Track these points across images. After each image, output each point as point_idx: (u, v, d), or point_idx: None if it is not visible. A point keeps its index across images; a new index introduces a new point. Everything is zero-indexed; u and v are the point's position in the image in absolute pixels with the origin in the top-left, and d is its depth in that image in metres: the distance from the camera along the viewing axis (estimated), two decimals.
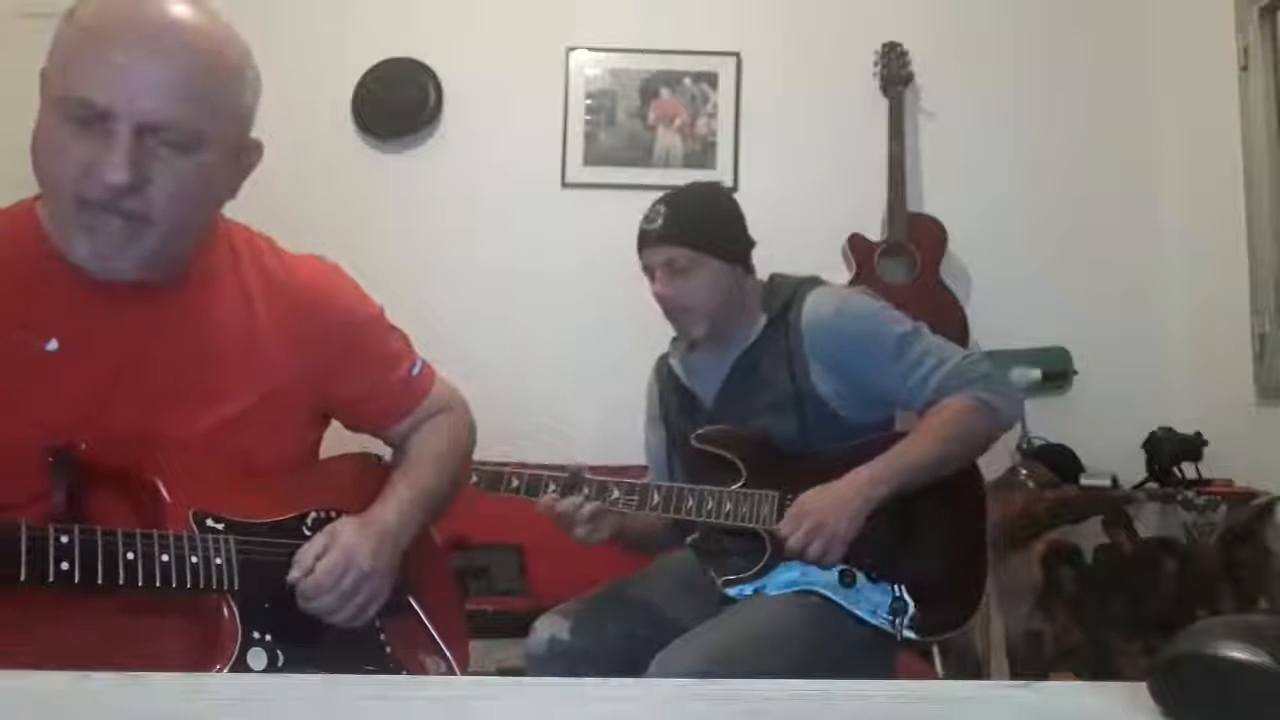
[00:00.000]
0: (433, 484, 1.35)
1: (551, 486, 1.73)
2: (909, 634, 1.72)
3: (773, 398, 1.82)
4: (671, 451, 1.99)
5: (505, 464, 1.79)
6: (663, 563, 1.94)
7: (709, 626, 1.65)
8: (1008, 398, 1.80)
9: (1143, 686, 0.67)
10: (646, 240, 1.85)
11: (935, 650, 1.85)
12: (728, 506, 1.75)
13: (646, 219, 1.86)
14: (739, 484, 1.77)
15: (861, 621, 1.71)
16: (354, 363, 1.33)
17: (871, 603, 1.72)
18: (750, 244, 1.91)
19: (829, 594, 1.71)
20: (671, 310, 1.88)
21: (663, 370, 2.04)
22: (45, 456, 1.08)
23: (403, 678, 1.17)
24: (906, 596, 1.71)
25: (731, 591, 1.75)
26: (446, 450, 1.40)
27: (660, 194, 1.91)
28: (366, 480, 1.35)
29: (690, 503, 1.75)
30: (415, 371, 1.41)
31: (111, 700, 0.67)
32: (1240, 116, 2.79)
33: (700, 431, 1.83)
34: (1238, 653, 0.62)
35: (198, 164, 1.07)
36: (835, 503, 1.68)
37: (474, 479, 1.72)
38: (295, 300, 1.27)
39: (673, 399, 1.98)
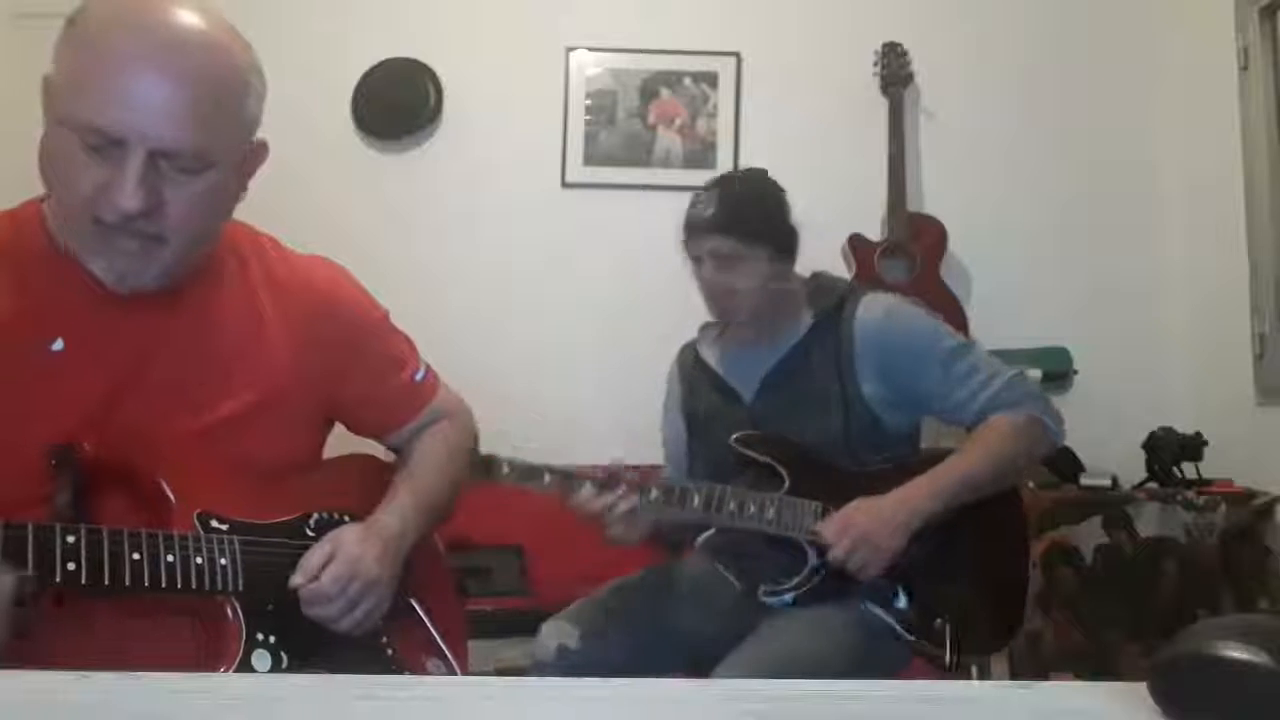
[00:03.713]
0: (436, 489, 1.35)
1: (588, 485, 1.67)
2: (946, 654, 1.68)
3: (817, 398, 1.79)
4: (691, 443, 1.95)
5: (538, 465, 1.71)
6: (673, 567, 1.91)
7: (749, 649, 1.61)
8: (1055, 416, 1.79)
9: (1143, 686, 0.67)
10: (696, 228, 1.81)
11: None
12: (770, 513, 1.71)
13: (695, 206, 1.82)
14: (783, 490, 1.74)
15: (898, 638, 1.68)
16: (358, 365, 1.33)
17: (911, 621, 1.68)
18: (796, 236, 1.87)
19: (870, 610, 1.68)
20: (717, 300, 1.85)
21: (688, 360, 1.99)
22: (49, 457, 1.08)
23: (402, 678, 1.16)
24: (947, 615, 1.68)
25: (772, 601, 1.71)
26: (449, 455, 1.40)
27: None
28: (370, 482, 1.35)
29: (732, 506, 1.71)
30: (419, 377, 1.41)
31: (111, 700, 0.67)
32: (1240, 116, 2.79)
33: (741, 435, 1.79)
34: (1238, 653, 0.62)
35: (209, 182, 1.08)
36: (881, 516, 1.66)
37: (505, 470, 1.65)
38: (300, 301, 1.27)
39: (705, 391, 1.93)
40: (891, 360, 1.78)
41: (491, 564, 2.65)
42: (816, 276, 1.92)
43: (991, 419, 1.74)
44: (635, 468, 1.74)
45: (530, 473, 1.68)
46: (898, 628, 1.68)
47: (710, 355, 1.95)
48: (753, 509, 1.71)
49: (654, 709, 0.69)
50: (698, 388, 1.95)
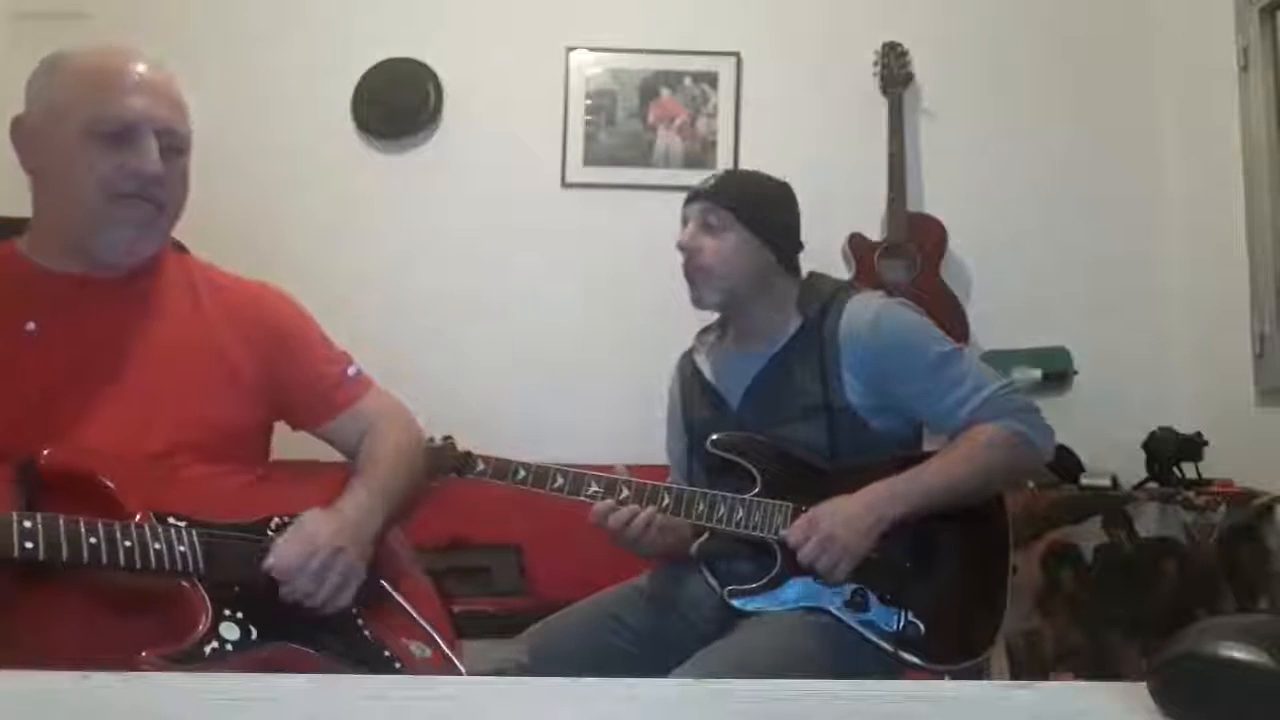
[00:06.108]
0: (388, 480, 1.43)
1: (594, 486, 1.69)
2: (917, 661, 1.65)
3: (802, 403, 1.76)
4: (692, 453, 1.92)
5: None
6: (661, 574, 1.87)
7: (713, 652, 1.59)
8: (1044, 432, 1.75)
9: (1143, 686, 0.67)
10: (693, 196, 1.85)
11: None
12: (739, 514, 1.70)
13: (703, 181, 1.87)
14: (753, 492, 1.72)
15: (870, 644, 1.65)
16: (293, 356, 1.46)
17: (882, 626, 1.65)
18: (794, 239, 1.86)
19: (839, 614, 1.66)
20: (689, 267, 1.83)
21: (686, 368, 1.97)
22: (8, 465, 1.14)
23: (403, 678, 1.18)
24: (919, 622, 1.65)
25: (737, 603, 1.69)
26: (398, 453, 1.49)
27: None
28: (332, 490, 1.40)
29: (701, 507, 1.70)
30: (351, 373, 1.52)
31: (111, 700, 0.67)
32: (1240, 116, 2.79)
33: (715, 437, 1.78)
34: (1238, 653, 0.62)
35: (184, 164, 1.34)
36: (848, 517, 1.63)
37: (481, 466, 1.71)
38: (238, 300, 1.44)
39: (696, 397, 1.91)
40: (878, 363, 1.74)
41: (490, 563, 2.65)
42: (811, 277, 1.89)
43: (974, 428, 1.70)
44: (601, 468, 1.74)
45: (504, 468, 1.71)
46: (865, 632, 1.65)
47: (704, 364, 1.92)
48: (722, 509, 1.70)
49: (652, 708, 0.69)
50: (693, 397, 1.93)
